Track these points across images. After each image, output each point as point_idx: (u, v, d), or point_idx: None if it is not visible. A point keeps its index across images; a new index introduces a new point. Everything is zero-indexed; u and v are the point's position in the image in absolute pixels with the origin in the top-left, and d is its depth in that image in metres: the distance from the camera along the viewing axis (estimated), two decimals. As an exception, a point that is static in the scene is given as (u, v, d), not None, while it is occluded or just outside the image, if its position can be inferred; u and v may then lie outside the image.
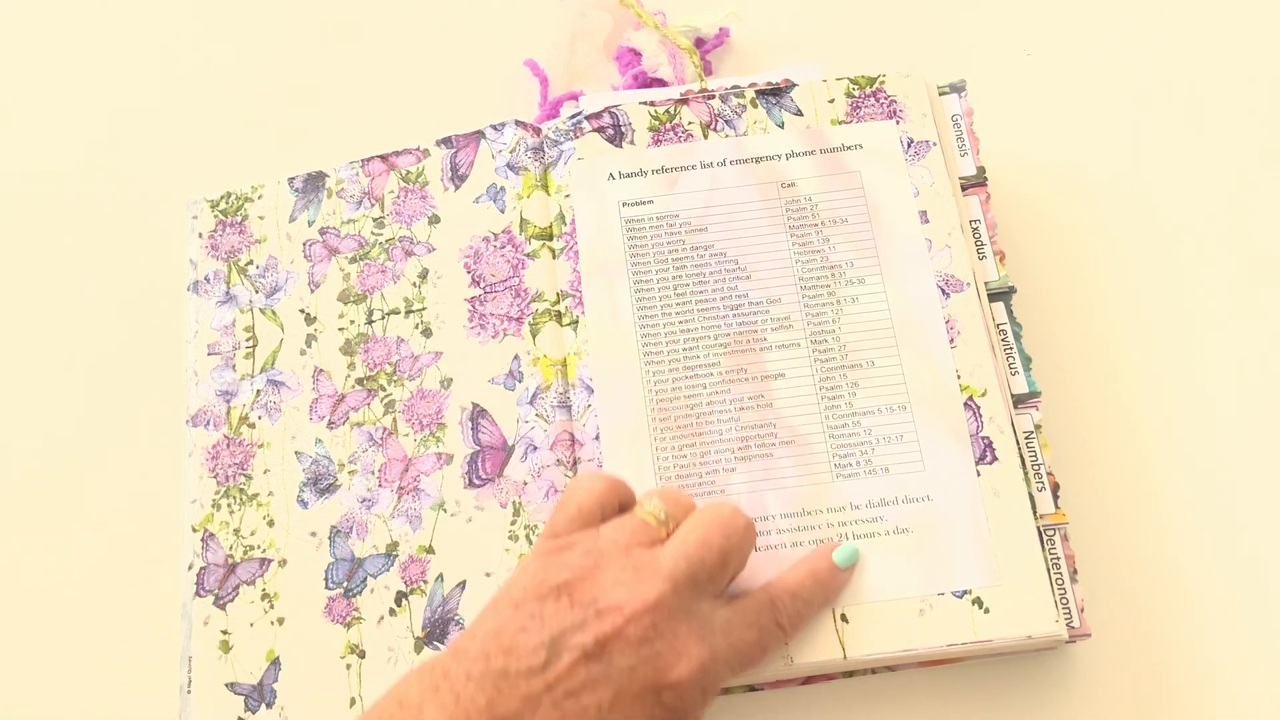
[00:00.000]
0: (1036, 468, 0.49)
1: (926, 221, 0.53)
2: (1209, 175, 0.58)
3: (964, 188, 0.54)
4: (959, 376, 0.50)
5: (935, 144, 0.54)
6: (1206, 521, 0.52)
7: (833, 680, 0.50)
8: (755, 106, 0.56)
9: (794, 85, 0.56)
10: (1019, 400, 0.51)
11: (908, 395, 0.50)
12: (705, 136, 0.55)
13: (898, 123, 0.55)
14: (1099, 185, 0.59)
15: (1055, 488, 0.49)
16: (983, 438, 0.49)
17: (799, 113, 0.55)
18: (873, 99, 0.55)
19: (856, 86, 0.56)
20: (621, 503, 0.45)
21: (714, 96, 0.56)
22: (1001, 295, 0.52)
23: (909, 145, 0.54)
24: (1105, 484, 0.53)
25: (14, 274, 0.64)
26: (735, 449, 0.50)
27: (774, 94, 0.56)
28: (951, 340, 0.51)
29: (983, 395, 0.50)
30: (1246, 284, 0.56)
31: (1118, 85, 0.61)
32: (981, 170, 0.54)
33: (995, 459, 0.49)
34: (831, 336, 0.51)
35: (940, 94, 0.56)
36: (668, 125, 0.55)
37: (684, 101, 0.56)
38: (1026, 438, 0.50)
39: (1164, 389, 0.54)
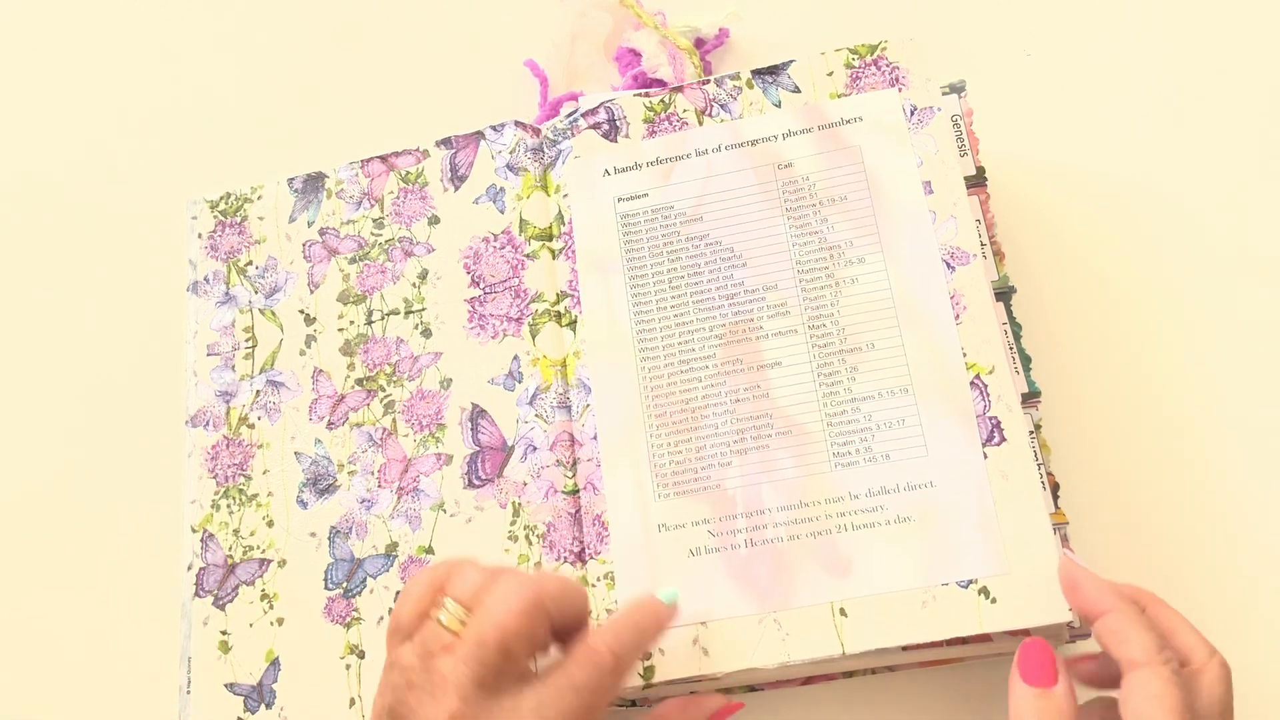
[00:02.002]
0: (1037, 468, 0.49)
1: (930, 192, 0.51)
2: (1209, 175, 0.58)
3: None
4: (965, 354, 0.48)
5: (939, 109, 0.52)
6: (1207, 522, 0.52)
7: (833, 680, 0.50)
8: (751, 87, 0.55)
9: (791, 61, 0.55)
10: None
11: (909, 377, 0.49)
12: (700, 123, 0.54)
13: (900, 90, 0.53)
14: (1099, 185, 0.59)
15: (1055, 488, 0.49)
16: (990, 418, 0.48)
17: (796, 89, 0.54)
18: (873, 68, 0.54)
19: (856, 56, 0.54)
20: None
21: (709, 81, 0.55)
22: (1001, 295, 0.52)
23: (912, 113, 0.53)
24: (1105, 484, 0.53)
25: (14, 274, 0.64)
26: (731, 442, 0.49)
27: (770, 72, 0.55)
28: (957, 316, 0.49)
29: (990, 373, 0.48)
30: (1247, 283, 0.56)
31: (1118, 85, 0.61)
32: (981, 170, 0.54)
33: (1004, 440, 0.47)
34: (830, 320, 0.50)
35: (940, 94, 0.55)
36: (662, 115, 0.55)
37: (679, 89, 0.55)
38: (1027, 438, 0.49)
39: (1164, 389, 0.54)
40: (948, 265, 0.50)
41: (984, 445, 0.47)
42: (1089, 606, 0.42)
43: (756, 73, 0.55)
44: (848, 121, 0.53)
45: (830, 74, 0.54)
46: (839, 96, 0.54)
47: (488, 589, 0.42)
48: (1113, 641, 0.41)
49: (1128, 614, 0.41)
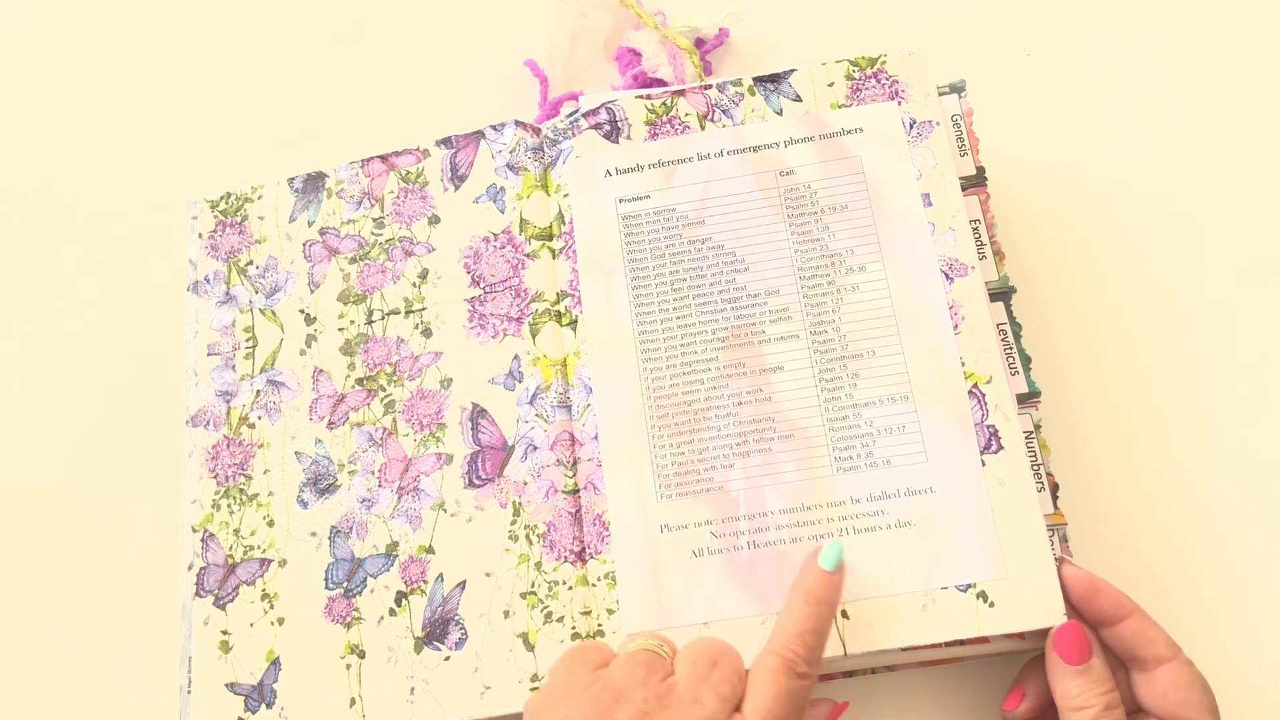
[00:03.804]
0: (1036, 468, 0.49)
1: (930, 205, 0.52)
2: (1209, 175, 0.58)
3: (963, 188, 0.54)
4: (963, 363, 0.49)
5: (938, 124, 0.53)
6: (1207, 523, 0.52)
7: (833, 680, 0.50)
8: (753, 94, 0.55)
9: (793, 70, 0.55)
10: (1019, 400, 0.50)
11: (910, 385, 0.49)
12: (702, 128, 0.55)
13: (900, 103, 0.54)
14: (1099, 185, 0.59)
15: (1055, 488, 0.49)
16: (988, 426, 0.48)
17: (797, 98, 0.54)
18: (874, 80, 0.54)
19: (857, 68, 0.55)
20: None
21: (710, 87, 0.55)
22: (1001, 295, 0.52)
23: (911, 126, 0.53)
24: (1105, 484, 0.53)
25: (14, 274, 0.64)
26: (733, 445, 0.49)
27: (772, 80, 0.55)
28: (955, 326, 0.50)
29: (988, 383, 0.49)
30: (1246, 283, 0.56)
31: (1117, 85, 0.61)
32: (981, 170, 0.54)
33: (1001, 448, 0.48)
34: (831, 327, 0.51)
35: (940, 94, 0.55)
36: (664, 118, 0.55)
37: (680, 93, 0.55)
38: (1026, 438, 0.49)
39: (1164, 389, 0.54)
40: (946, 276, 0.51)
41: (982, 453, 0.48)
42: (1109, 612, 0.45)
43: (758, 80, 0.55)
44: (848, 132, 0.54)
45: (831, 84, 0.55)
46: (839, 107, 0.54)
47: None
48: (1139, 642, 0.44)
49: (1147, 616, 0.45)
